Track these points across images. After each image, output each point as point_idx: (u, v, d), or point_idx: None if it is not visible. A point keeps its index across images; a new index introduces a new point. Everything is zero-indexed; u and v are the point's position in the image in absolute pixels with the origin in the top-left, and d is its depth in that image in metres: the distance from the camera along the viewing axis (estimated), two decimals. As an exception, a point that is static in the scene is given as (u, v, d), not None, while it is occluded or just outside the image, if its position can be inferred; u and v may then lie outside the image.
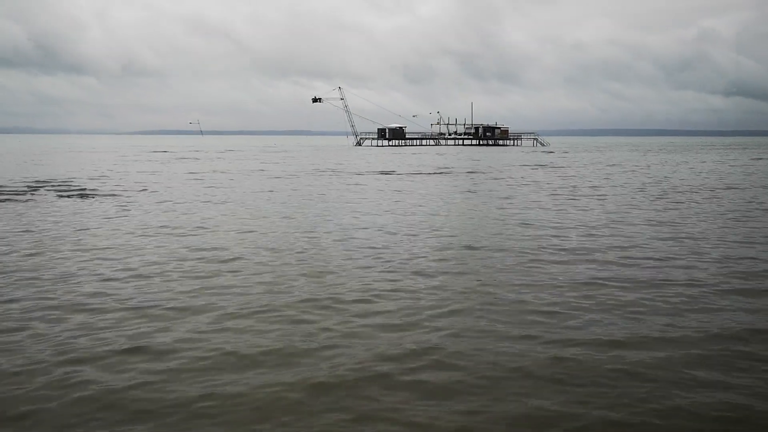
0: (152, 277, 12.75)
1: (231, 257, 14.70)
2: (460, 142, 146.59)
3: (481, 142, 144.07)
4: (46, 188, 32.06)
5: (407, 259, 14.50)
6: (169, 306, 10.68)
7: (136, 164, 58.78)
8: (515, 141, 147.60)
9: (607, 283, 12.28)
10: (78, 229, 18.87)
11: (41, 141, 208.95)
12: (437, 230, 18.99)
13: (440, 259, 14.57)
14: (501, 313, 10.35)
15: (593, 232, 18.46)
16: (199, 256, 14.78)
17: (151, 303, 10.85)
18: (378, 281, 12.44)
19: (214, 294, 11.44)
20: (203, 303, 10.85)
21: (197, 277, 12.70)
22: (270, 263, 14.09)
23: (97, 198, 27.76)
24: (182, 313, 10.27)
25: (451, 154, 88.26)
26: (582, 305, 10.76)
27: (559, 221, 20.69)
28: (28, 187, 32.73)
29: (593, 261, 14.34)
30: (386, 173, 46.38)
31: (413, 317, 10.11)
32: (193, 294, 11.45)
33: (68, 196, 28.14)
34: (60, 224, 19.74)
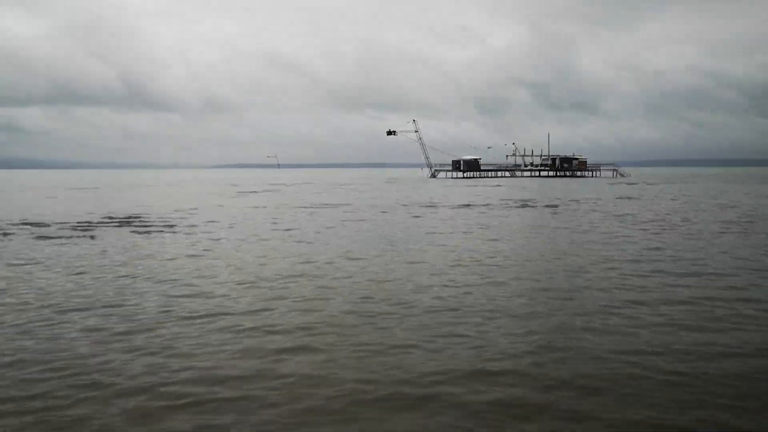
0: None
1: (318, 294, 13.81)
2: (537, 173, 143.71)
3: (558, 174, 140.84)
4: (137, 223, 32.36)
5: (495, 300, 13.22)
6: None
7: (224, 199, 59.57)
8: (594, 172, 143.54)
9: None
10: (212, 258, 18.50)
11: (130, 175, 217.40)
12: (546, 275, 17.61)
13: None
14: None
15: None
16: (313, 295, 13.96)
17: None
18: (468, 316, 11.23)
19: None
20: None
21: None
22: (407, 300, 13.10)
23: (180, 232, 27.68)
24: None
25: (530, 186, 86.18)
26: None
27: (662, 257, 18.94)
28: (123, 221, 33.12)
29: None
30: (466, 206, 45.03)
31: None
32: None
33: (172, 232, 28.20)
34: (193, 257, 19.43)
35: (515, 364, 9.42)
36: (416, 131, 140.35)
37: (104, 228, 29.33)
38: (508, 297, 13.90)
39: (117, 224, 31.22)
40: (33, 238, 25.23)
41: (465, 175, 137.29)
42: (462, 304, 13.28)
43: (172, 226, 30.35)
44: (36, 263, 18.94)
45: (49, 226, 30.36)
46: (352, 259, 19.63)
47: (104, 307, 13.13)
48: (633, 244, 22.71)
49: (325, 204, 48.01)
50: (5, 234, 26.86)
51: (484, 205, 45.71)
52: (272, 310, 12.86)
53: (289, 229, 28.69)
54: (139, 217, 35.13)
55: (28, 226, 30.10)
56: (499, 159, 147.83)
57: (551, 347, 10.22)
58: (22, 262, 19.24)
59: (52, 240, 24.75)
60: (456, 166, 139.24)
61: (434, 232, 27.35)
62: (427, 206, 44.96)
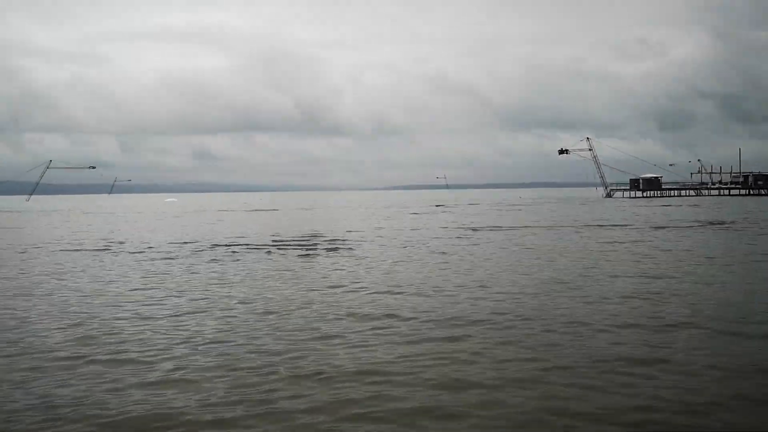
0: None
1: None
2: (726, 192, 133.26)
3: (752, 192, 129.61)
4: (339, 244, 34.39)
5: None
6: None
7: (409, 219, 61.40)
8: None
9: None
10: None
11: (318, 196, 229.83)
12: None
13: None
14: None
15: None
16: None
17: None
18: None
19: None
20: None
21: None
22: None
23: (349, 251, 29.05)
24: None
25: (720, 205, 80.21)
26: None
27: None
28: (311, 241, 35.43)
29: None
30: (660, 227, 42.79)
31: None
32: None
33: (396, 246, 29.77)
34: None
35: None
36: (590, 149, 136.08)
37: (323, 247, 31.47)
38: None
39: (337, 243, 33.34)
40: (297, 255, 27.69)
41: (644, 194, 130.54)
42: None
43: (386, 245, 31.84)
44: (295, 275, 20.85)
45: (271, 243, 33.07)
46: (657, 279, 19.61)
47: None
48: None
49: (526, 224, 47.84)
50: (274, 251, 29.71)
51: (700, 226, 43.15)
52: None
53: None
54: (345, 237, 37.27)
55: (266, 244, 33.01)
56: (683, 177, 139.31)
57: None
58: (286, 274, 21.25)
59: (309, 255, 27.01)
60: (634, 184, 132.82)
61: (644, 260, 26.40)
62: (619, 226, 43.44)
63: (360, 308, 15.31)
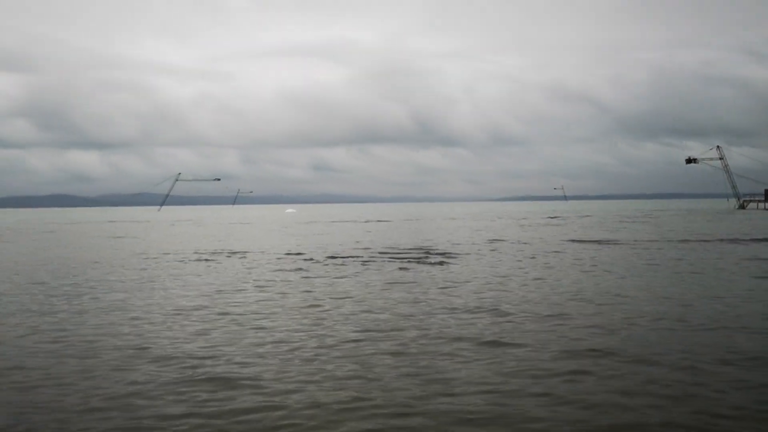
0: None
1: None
2: None
3: None
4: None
5: None
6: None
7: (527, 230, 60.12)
8: None
9: None
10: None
11: (433, 208, 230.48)
12: None
13: None
14: None
15: None
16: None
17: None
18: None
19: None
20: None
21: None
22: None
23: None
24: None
25: None
26: None
27: None
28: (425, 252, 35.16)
29: None
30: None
31: None
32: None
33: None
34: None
35: None
36: (720, 158, 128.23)
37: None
38: None
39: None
40: (442, 260, 27.83)
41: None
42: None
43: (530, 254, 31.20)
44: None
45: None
46: None
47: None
48: None
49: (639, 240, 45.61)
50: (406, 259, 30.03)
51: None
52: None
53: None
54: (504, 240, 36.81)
55: (416, 250, 33.29)
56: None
57: None
58: (448, 283, 21.27)
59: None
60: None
61: None
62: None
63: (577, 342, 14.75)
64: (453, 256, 31.92)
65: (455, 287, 20.63)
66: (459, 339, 13.11)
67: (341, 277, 23.70)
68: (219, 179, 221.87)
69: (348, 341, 13.10)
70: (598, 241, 41.01)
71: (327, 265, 28.38)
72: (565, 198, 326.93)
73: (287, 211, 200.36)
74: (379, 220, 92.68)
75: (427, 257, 31.28)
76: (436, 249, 36.38)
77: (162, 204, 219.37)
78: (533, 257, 30.74)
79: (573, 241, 42.35)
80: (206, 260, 31.58)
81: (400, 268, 26.42)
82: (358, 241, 44.61)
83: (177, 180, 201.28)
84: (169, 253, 36.36)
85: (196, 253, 36.49)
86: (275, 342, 13.13)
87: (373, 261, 29.79)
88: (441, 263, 28.34)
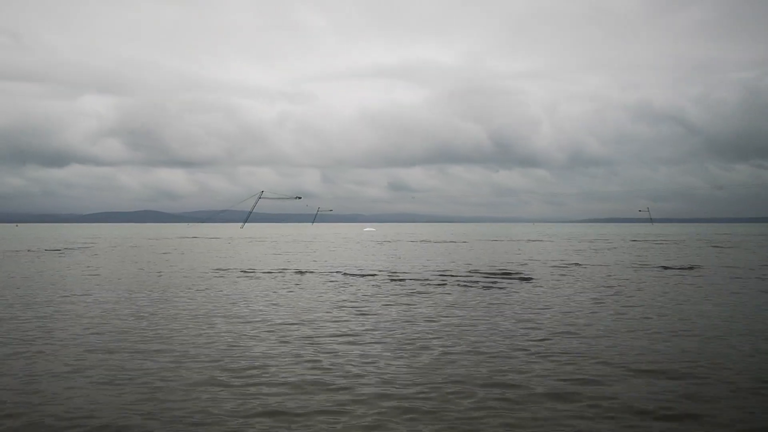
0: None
1: None
2: None
3: None
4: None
5: None
6: None
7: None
8: None
9: None
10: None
11: (514, 229, 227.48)
12: None
13: None
14: None
15: None
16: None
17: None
18: None
19: None
20: None
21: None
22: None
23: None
24: None
25: None
26: None
27: None
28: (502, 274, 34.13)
29: None
30: None
31: None
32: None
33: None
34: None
35: None
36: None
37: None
38: None
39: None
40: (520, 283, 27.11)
41: None
42: None
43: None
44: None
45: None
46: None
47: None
48: None
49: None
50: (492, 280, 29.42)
51: None
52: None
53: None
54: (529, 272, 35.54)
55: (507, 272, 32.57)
56: None
57: None
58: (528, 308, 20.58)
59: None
60: None
61: None
62: None
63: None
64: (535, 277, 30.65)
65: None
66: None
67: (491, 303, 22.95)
68: (300, 197, 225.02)
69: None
70: None
71: (467, 288, 27.68)
72: (651, 221, 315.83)
73: (366, 229, 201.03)
74: (463, 241, 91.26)
75: (531, 279, 30.16)
76: (535, 271, 35.15)
77: (245, 221, 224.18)
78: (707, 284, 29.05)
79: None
80: (344, 276, 31.45)
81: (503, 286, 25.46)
82: (453, 261, 43.78)
83: (260, 198, 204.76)
84: (314, 271, 36.54)
85: (338, 271, 36.57)
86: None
87: (475, 282, 28.92)
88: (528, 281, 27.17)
